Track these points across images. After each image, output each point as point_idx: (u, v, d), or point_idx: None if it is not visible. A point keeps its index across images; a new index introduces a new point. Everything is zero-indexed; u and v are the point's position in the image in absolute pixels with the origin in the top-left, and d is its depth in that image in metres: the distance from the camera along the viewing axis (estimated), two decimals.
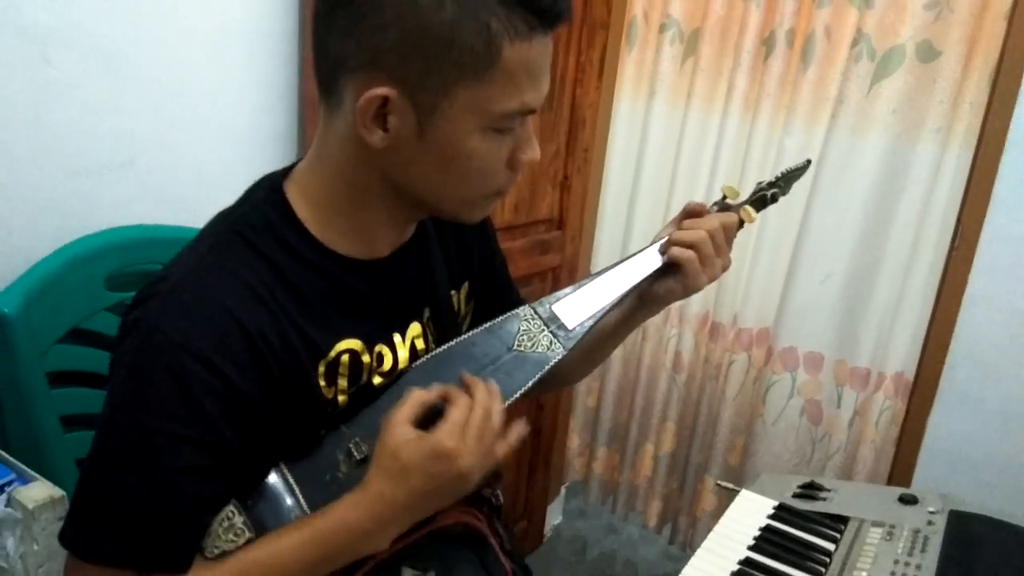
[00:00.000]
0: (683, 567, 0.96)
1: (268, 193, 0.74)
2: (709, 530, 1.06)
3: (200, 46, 1.16)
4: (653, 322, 2.09)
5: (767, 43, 1.77)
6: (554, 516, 2.36)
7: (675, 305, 2.02)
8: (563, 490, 2.39)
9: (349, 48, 0.65)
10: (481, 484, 0.85)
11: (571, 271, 2.00)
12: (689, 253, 0.86)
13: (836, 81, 1.69)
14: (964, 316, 1.66)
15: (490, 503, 0.89)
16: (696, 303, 1.98)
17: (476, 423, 0.70)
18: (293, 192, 0.74)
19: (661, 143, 1.98)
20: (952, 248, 1.65)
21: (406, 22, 0.61)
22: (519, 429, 0.75)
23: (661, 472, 2.14)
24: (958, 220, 1.63)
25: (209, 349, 0.64)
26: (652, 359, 2.11)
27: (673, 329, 2.05)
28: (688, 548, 2.13)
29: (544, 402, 2.06)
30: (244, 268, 0.69)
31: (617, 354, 2.17)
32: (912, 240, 1.68)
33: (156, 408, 0.64)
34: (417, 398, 0.71)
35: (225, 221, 0.73)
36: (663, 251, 0.89)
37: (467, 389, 0.73)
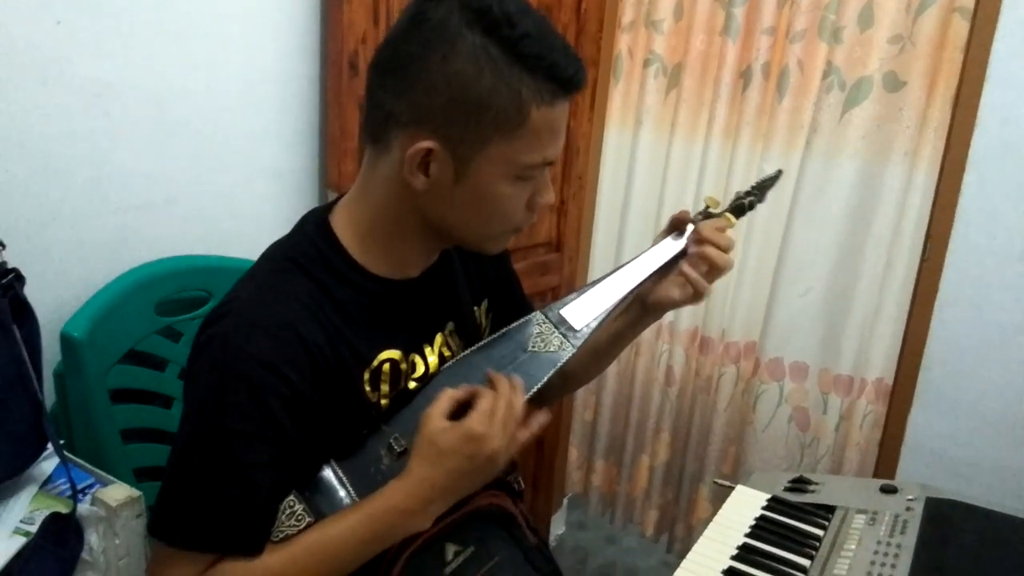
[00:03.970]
0: None
1: (316, 226, 0.85)
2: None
3: (234, 92, 1.28)
4: (645, 338, 2.20)
5: (744, 76, 1.91)
6: (557, 527, 2.44)
7: (665, 322, 2.13)
8: (565, 501, 2.47)
9: (401, 105, 0.76)
10: (504, 471, 0.95)
11: (569, 289, 2.08)
12: (704, 283, 0.98)
13: (809, 110, 1.82)
14: (936, 323, 1.77)
15: (512, 488, 0.99)
16: (685, 319, 2.09)
17: (502, 411, 0.80)
18: (338, 224, 0.85)
19: (648, 169, 2.10)
20: (923, 260, 1.76)
21: (452, 87, 0.73)
22: (540, 418, 0.86)
23: (657, 482, 2.23)
24: (927, 235, 1.75)
25: (277, 359, 0.75)
26: (645, 374, 2.21)
27: (664, 345, 2.16)
28: (685, 556, 2.20)
29: (531, 414, 2.15)
30: (299, 289, 0.80)
31: (612, 370, 2.27)
32: (886, 255, 1.80)
33: (233, 411, 0.74)
34: (449, 395, 0.82)
35: (280, 250, 0.84)
36: (675, 262, 1.00)
37: (492, 384, 0.84)
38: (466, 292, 0.99)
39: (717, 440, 2.09)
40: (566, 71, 0.75)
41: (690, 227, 1.02)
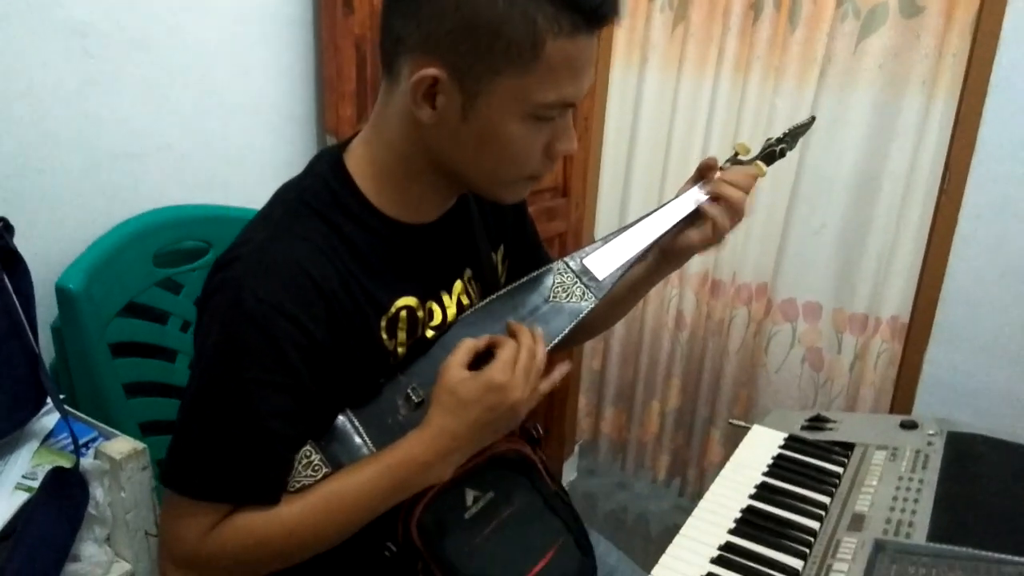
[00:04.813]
0: None
1: (329, 165, 0.81)
2: None
3: (225, 35, 1.23)
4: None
5: (755, 7, 1.83)
6: (568, 474, 2.44)
7: None
8: (576, 448, 2.47)
9: (410, 29, 0.71)
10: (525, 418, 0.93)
11: (576, 236, 2.07)
12: (725, 212, 0.93)
13: (823, 41, 1.75)
14: (955, 257, 1.74)
15: (531, 435, 0.97)
16: (695, 262, 2.05)
17: (524, 361, 0.78)
18: (352, 163, 0.80)
19: (655, 109, 2.04)
20: (941, 193, 1.72)
21: (462, 11, 0.68)
22: (562, 368, 0.83)
23: (668, 427, 2.23)
24: (946, 166, 1.70)
25: (291, 304, 0.71)
26: (655, 320, 2.18)
27: (674, 289, 2.13)
28: (698, 499, 2.21)
29: (552, 365, 2.14)
30: (313, 232, 0.76)
31: None
32: (903, 188, 1.75)
33: (247, 358, 0.71)
34: (469, 345, 0.79)
35: (293, 191, 0.80)
36: (704, 205, 0.95)
37: (513, 334, 0.81)
38: (483, 237, 0.95)
39: (728, 383, 2.07)
40: (590, 1, 0.69)
41: (718, 175, 0.97)
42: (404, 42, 0.72)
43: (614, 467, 2.43)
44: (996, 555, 0.87)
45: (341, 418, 0.78)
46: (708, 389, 2.13)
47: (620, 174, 2.14)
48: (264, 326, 0.70)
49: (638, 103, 2.05)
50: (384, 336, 0.80)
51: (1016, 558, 0.86)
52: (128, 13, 1.09)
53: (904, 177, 1.74)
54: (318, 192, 0.78)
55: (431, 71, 0.70)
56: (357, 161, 0.80)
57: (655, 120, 2.05)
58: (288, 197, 0.79)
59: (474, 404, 0.75)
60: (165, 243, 1.11)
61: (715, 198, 0.95)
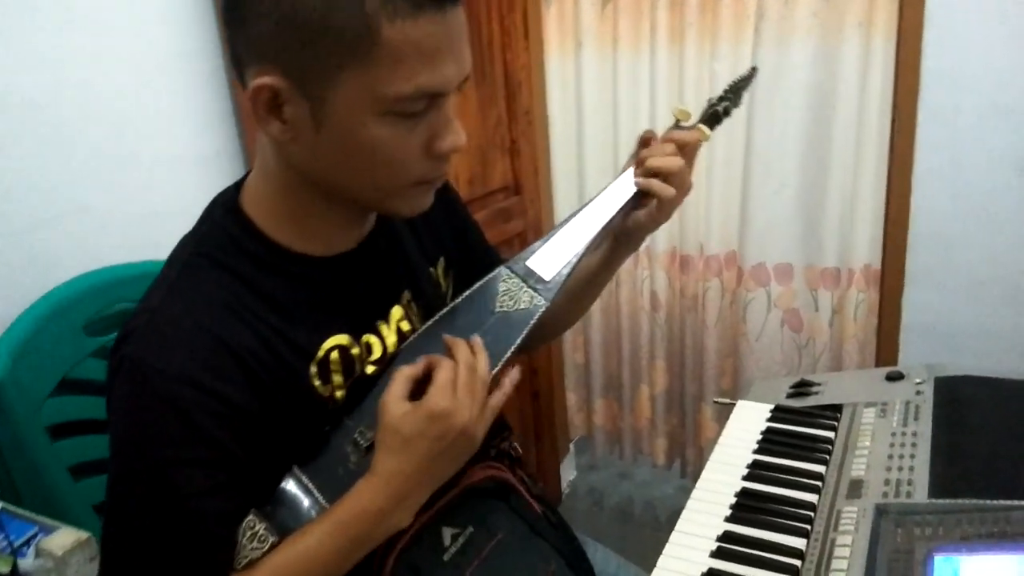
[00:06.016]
0: None
1: (225, 209, 0.74)
2: None
3: (132, 84, 1.16)
4: (624, 268, 2.12)
5: None
6: (568, 473, 2.40)
7: (643, 246, 2.05)
8: (572, 446, 2.43)
9: (240, 39, 0.65)
10: (495, 439, 0.87)
11: (537, 233, 2.02)
12: (665, 185, 0.88)
13: None
14: (917, 196, 1.71)
15: (509, 455, 0.91)
16: (661, 240, 2.01)
17: (464, 379, 0.72)
18: (248, 203, 0.74)
19: (597, 92, 2.00)
20: (894, 132, 1.69)
21: (281, 8, 0.60)
22: (512, 376, 0.77)
23: (660, 410, 2.19)
24: (894, 104, 1.67)
25: (199, 372, 0.65)
26: (630, 304, 2.14)
27: (645, 271, 2.09)
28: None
29: (537, 365, 2.09)
30: (215, 287, 0.69)
31: (595, 306, 2.20)
32: (855, 134, 1.72)
33: (160, 439, 0.65)
34: (405, 374, 0.72)
35: (188, 246, 0.74)
36: (638, 182, 0.90)
37: (449, 351, 0.75)
38: (418, 254, 0.89)
39: (712, 357, 2.03)
40: None
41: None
42: (239, 58, 0.66)
43: (613, 458, 2.39)
44: (1003, 502, 0.83)
45: (288, 478, 0.72)
46: (693, 365, 2.09)
47: (572, 163, 2.10)
48: (172, 402, 0.64)
49: (579, 89, 2.01)
50: (317, 383, 0.73)
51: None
52: (25, 74, 1.02)
53: (854, 122, 1.71)
54: (215, 241, 0.72)
55: (265, 80, 0.63)
56: (253, 199, 0.74)
57: (599, 103, 2.01)
58: (183, 254, 0.73)
59: (419, 438, 0.69)
60: (95, 310, 1.05)
61: (654, 173, 0.89)
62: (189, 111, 1.25)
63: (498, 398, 0.75)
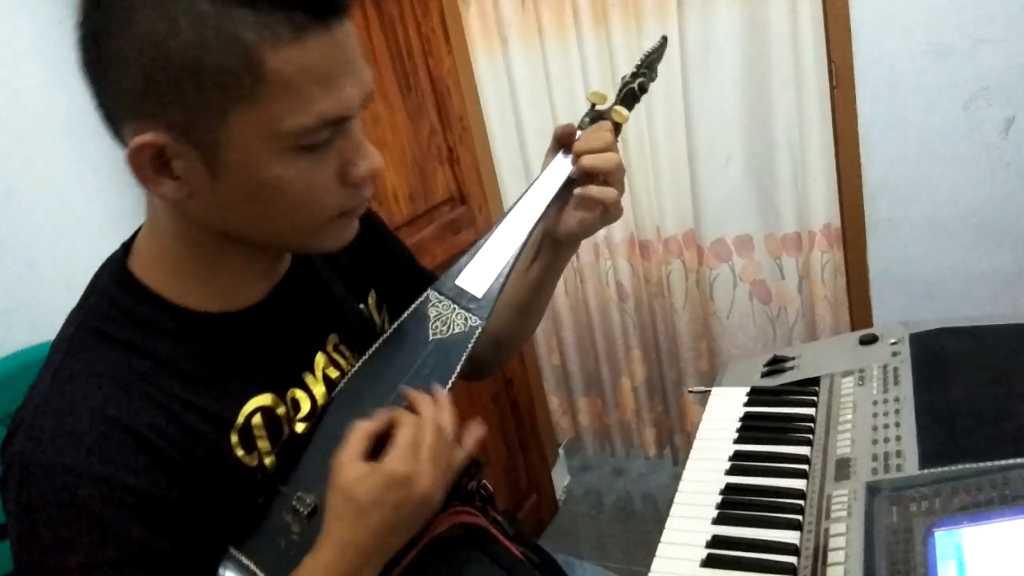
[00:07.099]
0: None
1: (112, 276, 0.67)
2: None
3: (11, 155, 1.08)
4: (586, 261, 2.07)
5: None
6: (561, 478, 2.34)
7: (600, 238, 1.99)
8: (561, 451, 2.37)
9: (109, 99, 0.57)
10: (462, 478, 0.80)
11: None
12: (607, 190, 0.80)
13: None
14: (866, 147, 1.67)
15: (480, 495, 0.85)
16: (618, 230, 1.96)
17: (428, 441, 0.65)
18: (138, 265, 0.66)
19: (530, 87, 1.95)
20: (833, 88, 1.65)
21: (147, 54, 0.53)
22: (476, 432, 0.70)
23: (643, 400, 2.14)
24: (829, 59, 1.63)
25: (96, 463, 0.58)
26: (598, 298, 2.09)
27: (608, 262, 2.04)
28: None
29: (512, 375, 2.03)
30: (105, 365, 0.62)
31: (563, 304, 2.15)
32: (795, 95, 1.67)
33: (60, 543, 0.57)
34: (363, 430, 0.65)
35: (75, 321, 0.66)
36: (574, 182, 0.83)
37: (409, 403, 0.68)
38: (342, 292, 0.81)
39: (686, 340, 1.98)
40: None
41: (578, 144, 0.85)
42: (111, 117, 0.58)
43: (604, 456, 2.34)
44: (998, 463, 0.77)
45: (226, 563, 0.65)
46: (669, 351, 2.05)
47: (517, 164, 2.04)
48: (69, 501, 0.57)
49: (512, 86, 1.96)
50: (240, 453, 0.66)
51: (1020, 460, 0.77)
52: None
53: (792, 83, 1.66)
54: (102, 313, 0.64)
55: (146, 138, 0.56)
56: (144, 260, 0.66)
57: (534, 98, 1.96)
58: (68, 332, 0.64)
59: (375, 507, 0.62)
60: (2, 404, 0.96)
61: (588, 175, 0.82)
62: (87, 173, 1.16)
63: (460, 456, 0.68)
